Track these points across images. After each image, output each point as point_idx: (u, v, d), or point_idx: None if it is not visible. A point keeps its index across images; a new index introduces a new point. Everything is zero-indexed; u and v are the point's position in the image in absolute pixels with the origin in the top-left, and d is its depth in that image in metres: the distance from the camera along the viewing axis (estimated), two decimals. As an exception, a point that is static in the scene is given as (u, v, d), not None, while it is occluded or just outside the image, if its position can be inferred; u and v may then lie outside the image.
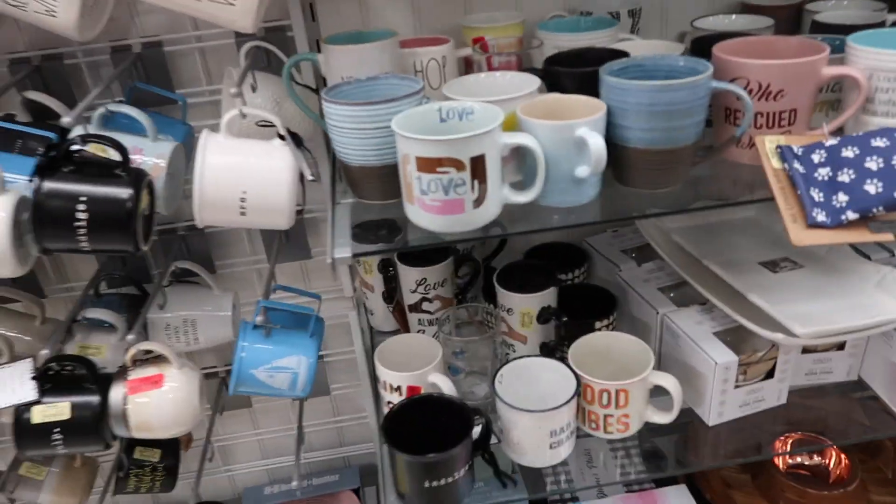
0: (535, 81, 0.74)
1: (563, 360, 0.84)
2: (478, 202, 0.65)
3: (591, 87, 0.71)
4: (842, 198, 0.64)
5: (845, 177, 0.65)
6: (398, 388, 0.85)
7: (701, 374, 0.85)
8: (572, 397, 0.80)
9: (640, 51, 0.81)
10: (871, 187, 0.63)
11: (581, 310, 0.92)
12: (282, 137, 0.74)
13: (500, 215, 0.69)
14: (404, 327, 1.05)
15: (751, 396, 0.86)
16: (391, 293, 1.04)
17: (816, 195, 0.66)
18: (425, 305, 1.00)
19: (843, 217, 0.64)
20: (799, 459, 1.08)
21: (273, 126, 0.75)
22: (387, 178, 0.71)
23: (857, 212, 0.63)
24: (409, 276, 0.98)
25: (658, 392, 0.82)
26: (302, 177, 0.75)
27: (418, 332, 1.02)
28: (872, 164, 0.64)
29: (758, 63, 0.69)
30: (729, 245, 0.94)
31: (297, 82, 0.90)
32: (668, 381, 0.82)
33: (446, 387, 0.82)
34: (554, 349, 0.91)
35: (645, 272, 0.99)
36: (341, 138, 0.71)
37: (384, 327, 1.08)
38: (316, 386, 0.87)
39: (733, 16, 0.96)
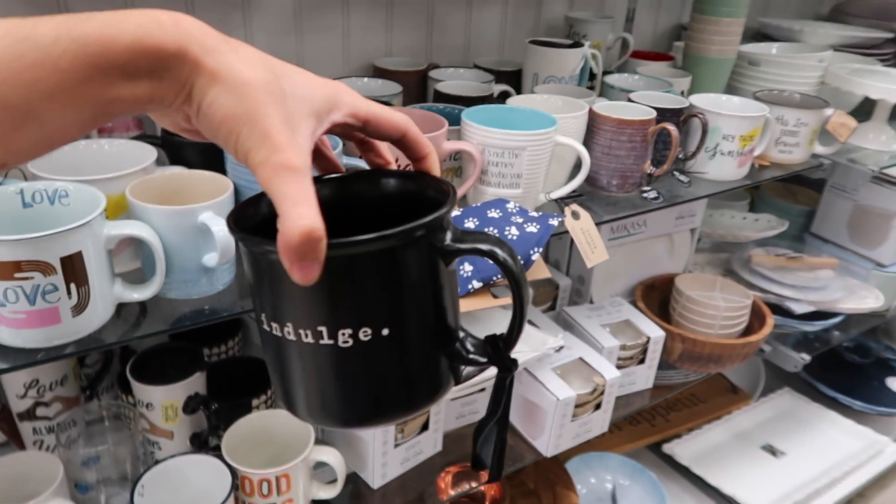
0: (150, 153, 0.65)
1: (219, 449, 0.76)
2: (79, 308, 0.54)
3: (216, 160, 0.65)
4: (468, 268, 0.69)
5: (468, 248, 0.69)
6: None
7: (360, 438, 0.84)
8: (228, 496, 0.72)
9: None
10: (490, 257, 0.68)
11: (236, 388, 0.84)
12: None
13: (117, 314, 0.58)
14: (16, 441, 0.84)
15: (410, 451, 0.88)
16: (-8, 400, 0.83)
17: (446, 266, 0.69)
18: (41, 411, 0.82)
19: (470, 286, 0.68)
20: (459, 491, 1.16)
21: None
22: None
23: (481, 280, 0.68)
24: (13, 379, 0.79)
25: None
26: None
27: (35, 443, 0.83)
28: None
29: (384, 138, 0.70)
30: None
31: None
32: (329, 455, 0.79)
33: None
34: (206, 440, 0.82)
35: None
36: None
37: (-12, 442, 0.86)
38: None
39: (365, 79, 0.99)
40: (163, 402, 0.79)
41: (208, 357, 0.92)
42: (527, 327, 0.92)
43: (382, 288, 0.32)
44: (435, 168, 0.38)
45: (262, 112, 0.29)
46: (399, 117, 0.36)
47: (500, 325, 0.93)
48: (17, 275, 0.50)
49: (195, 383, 0.80)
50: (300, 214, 0.28)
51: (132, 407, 0.82)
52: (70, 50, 0.27)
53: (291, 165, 0.29)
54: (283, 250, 0.28)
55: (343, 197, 0.37)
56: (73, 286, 0.52)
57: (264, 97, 0.29)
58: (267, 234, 0.30)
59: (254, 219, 0.35)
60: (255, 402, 0.84)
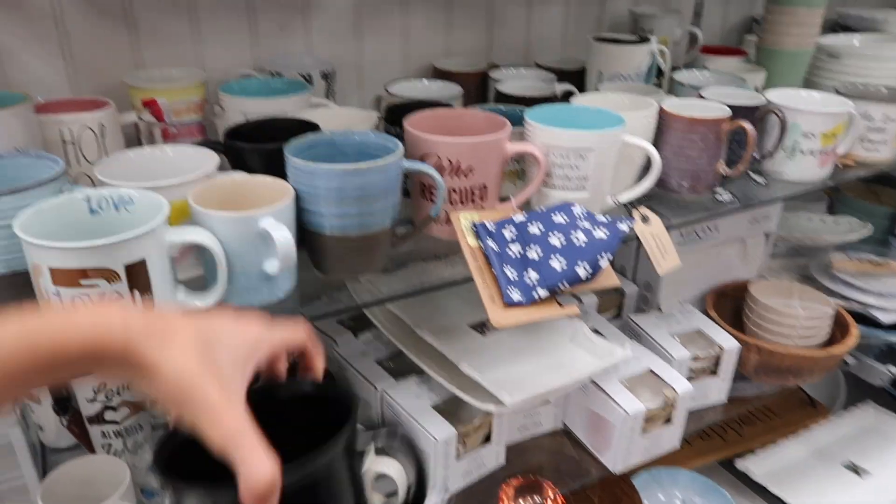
0: (212, 159, 0.64)
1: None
2: (143, 315, 0.53)
3: (277, 165, 0.64)
4: (533, 275, 0.66)
5: (534, 253, 0.67)
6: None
7: (424, 451, 0.82)
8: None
9: (333, 120, 0.76)
10: (556, 263, 0.65)
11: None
12: None
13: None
14: (86, 444, 0.86)
15: (472, 464, 0.86)
16: (64, 403, 0.84)
17: (510, 273, 0.66)
18: (109, 415, 0.83)
19: (535, 294, 0.65)
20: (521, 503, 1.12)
21: None
22: (23, 288, 0.55)
23: (547, 288, 0.65)
24: (82, 382, 0.80)
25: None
26: None
27: (104, 446, 0.84)
28: (555, 240, 0.67)
29: (447, 141, 0.68)
30: (441, 309, 0.93)
31: None
32: (391, 467, 0.77)
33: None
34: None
35: (363, 344, 0.95)
36: (-54, 242, 0.54)
37: (60, 443, 0.88)
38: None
39: (425, 81, 0.97)
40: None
41: (269, 363, 0.92)
42: (592, 336, 0.88)
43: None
44: (319, 373, 0.46)
45: (200, 393, 0.34)
46: (300, 338, 0.44)
47: (562, 336, 0.89)
48: (83, 282, 0.50)
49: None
50: (257, 468, 0.33)
51: (195, 412, 0.82)
52: (22, 354, 0.32)
53: (235, 429, 0.34)
54: (251, 497, 0.33)
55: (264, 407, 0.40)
56: (136, 293, 0.52)
57: (200, 380, 0.34)
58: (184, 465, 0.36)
59: (177, 458, 0.38)
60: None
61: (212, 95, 0.83)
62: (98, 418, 0.83)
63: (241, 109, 0.78)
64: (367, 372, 0.89)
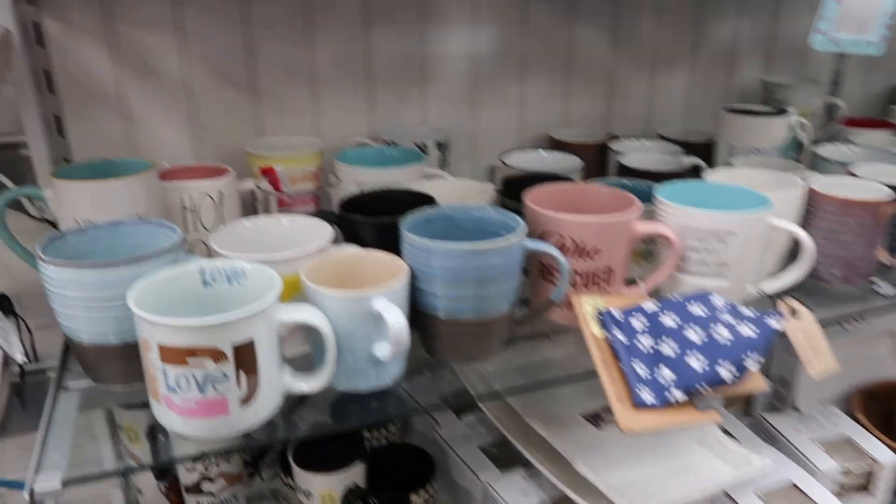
0: (326, 231, 0.62)
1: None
2: (247, 398, 0.50)
3: (392, 239, 0.61)
4: (667, 374, 0.58)
5: (668, 349, 0.59)
6: None
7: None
8: None
9: (448, 191, 0.73)
10: (695, 361, 0.58)
11: (395, 479, 0.78)
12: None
13: (280, 405, 0.54)
14: (179, 511, 0.84)
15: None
16: (164, 468, 0.83)
17: (640, 369, 0.59)
18: (206, 486, 0.81)
19: (670, 396, 0.57)
20: None
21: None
22: (133, 357, 0.54)
23: (683, 390, 0.57)
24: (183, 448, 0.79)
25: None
26: (7, 359, 0.55)
27: (197, 516, 0.82)
28: (693, 334, 0.59)
29: (572, 219, 0.63)
30: (552, 394, 0.86)
31: (34, 216, 0.71)
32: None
33: None
34: (362, 535, 0.76)
35: (466, 427, 0.89)
36: (65, 309, 0.53)
37: (155, 508, 0.86)
38: None
39: (542, 151, 0.93)
40: (321, 491, 0.74)
41: (368, 440, 0.88)
42: (725, 439, 0.78)
43: None
44: None
45: None
46: None
47: (689, 437, 0.79)
48: (190, 360, 0.47)
49: (354, 474, 0.76)
50: None
51: (292, 490, 0.78)
52: None
53: None
54: None
55: None
56: (242, 375, 0.49)
57: None
58: None
59: None
60: (414, 498, 0.77)
61: (327, 163, 0.83)
62: (195, 488, 0.81)
63: (356, 179, 0.77)
64: (469, 459, 0.82)
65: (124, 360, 0.55)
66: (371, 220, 0.63)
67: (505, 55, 0.99)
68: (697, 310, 0.61)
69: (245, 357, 0.49)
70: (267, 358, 0.51)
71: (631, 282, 0.70)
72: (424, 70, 0.95)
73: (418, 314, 0.59)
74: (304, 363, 0.58)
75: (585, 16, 1.01)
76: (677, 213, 0.66)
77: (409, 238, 0.58)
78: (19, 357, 0.54)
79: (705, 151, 0.98)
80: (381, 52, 0.92)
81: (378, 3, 0.89)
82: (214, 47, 0.84)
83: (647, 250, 0.74)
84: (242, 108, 0.87)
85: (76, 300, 0.52)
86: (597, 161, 0.97)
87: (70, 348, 0.58)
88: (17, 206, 0.75)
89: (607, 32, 1.03)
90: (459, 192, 0.76)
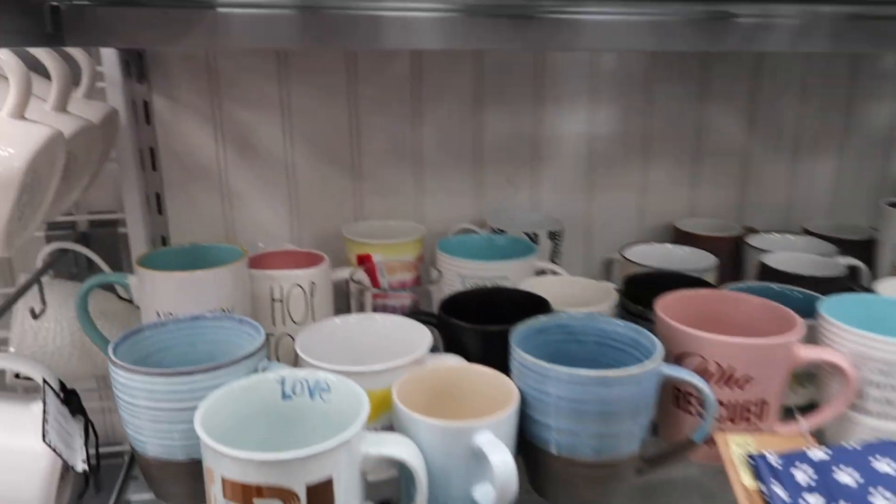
0: (423, 338, 0.54)
1: None
2: (320, 547, 0.42)
3: (499, 348, 0.52)
4: (839, 540, 0.45)
5: (848, 518, 0.46)
6: None
7: None
8: None
9: (561, 291, 0.64)
10: (887, 540, 0.44)
11: None
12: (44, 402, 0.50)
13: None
14: None
15: None
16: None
17: (810, 542, 0.46)
18: None
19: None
20: None
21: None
22: (201, 479, 0.47)
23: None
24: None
25: None
26: (68, 468, 0.50)
27: None
28: (881, 500, 0.46)
29: (718, 340, 0.52)
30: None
31: (123, 297, 0.67)
32: None
33: None
34: None
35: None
36: (130, 417, 0.47)
37: None
38: None
39: (668, 245, 0.82)
40: None
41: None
42: None
43: None
44: None
45: None
46: None
47: None
48: (256, 500, 0.40)
49: None
50: None
51: None
52: None
53: None
54: None
55: None
56: (316, 520, 0.41)
57: None
58: None
59: None
60: None
61: (429, 249, 0.76)
62: None
63: (460, 272, 0.69)
64: None
65: (191, 478, 0.48)
66: (476, 327, 0.55)
67: (625, 136, 0.90)
68: (886, 466, 0.48)
69: (321, 498, 0.41)
70: (346, 497, 0.42)
71: (787, 411, 0.57)
72: (537, 151, 0.88)
73: (528, 446, 0.49)
74: (388, 489, 0.49)
75: (718, 97, 0.91)
76: (851, 338, 0.53)
77: (519, 356, 0.49)
78: (80, 466, 0.49)
79: (864, 251, 0.84)
80: (492, 132, 0.85)
81: (491, 79, 0.83)
82: (318, 125, 0.80)
83: (806, 372, 0.61)
84: (343, 188, 0.83)
85: (142, 409, 0.47)
86: (730, 257, 0.85)
87: (134, 458, 0.52)
88: (107, 285, 0.72)
89: (742, 114, 0.93)
90: (575, 291, 0.67)
